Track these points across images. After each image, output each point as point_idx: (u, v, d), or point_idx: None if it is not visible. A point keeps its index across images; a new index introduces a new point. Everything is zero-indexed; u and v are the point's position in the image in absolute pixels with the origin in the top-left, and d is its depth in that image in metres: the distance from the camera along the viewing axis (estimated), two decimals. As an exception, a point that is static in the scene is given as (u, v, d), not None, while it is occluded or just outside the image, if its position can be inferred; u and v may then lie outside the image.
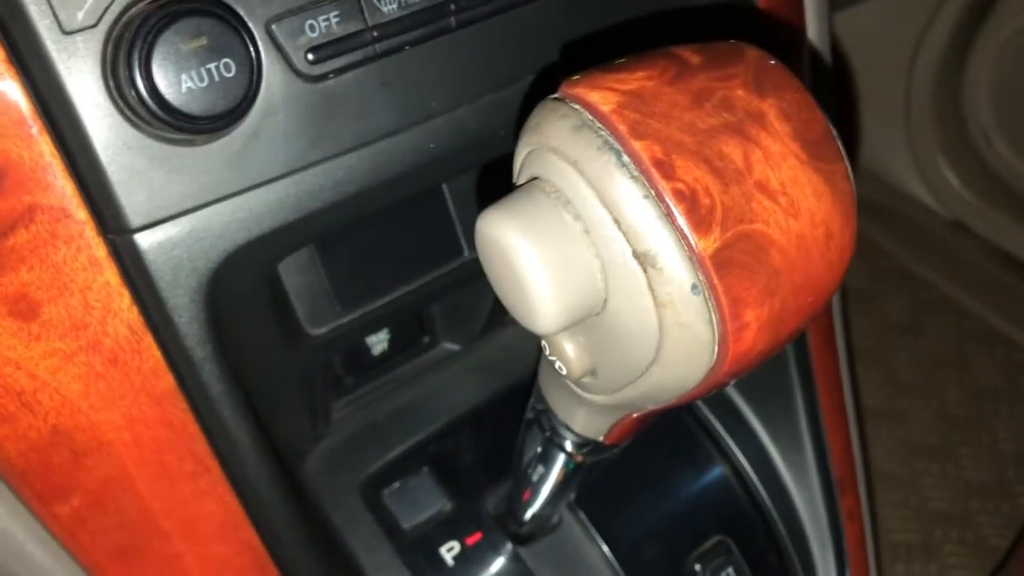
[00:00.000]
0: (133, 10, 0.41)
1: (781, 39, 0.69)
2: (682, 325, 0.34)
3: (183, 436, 0.52)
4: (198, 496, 0.54)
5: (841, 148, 0.37)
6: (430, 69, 0.50)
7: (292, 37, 0.45)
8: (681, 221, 0.33)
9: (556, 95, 0.37)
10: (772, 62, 0.38)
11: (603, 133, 0.34)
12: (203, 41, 0.41)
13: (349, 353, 0.74)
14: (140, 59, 0.40)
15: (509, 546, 0.71)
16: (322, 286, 0.63)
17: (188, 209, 0.45)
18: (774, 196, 0.34)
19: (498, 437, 0.74)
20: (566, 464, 0.57)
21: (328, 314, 0.64)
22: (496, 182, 0.56)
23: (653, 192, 0.33)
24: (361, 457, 0.73)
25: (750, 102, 0.36)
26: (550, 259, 0.35)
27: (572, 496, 0.67)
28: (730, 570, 0.74)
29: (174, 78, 0.40)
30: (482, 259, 0.39)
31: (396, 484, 0.72)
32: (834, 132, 0.37)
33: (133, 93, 0.41)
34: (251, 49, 0.43)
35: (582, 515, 0.72)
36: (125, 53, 0.40)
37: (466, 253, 0.68)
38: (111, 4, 0.41)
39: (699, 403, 0.81)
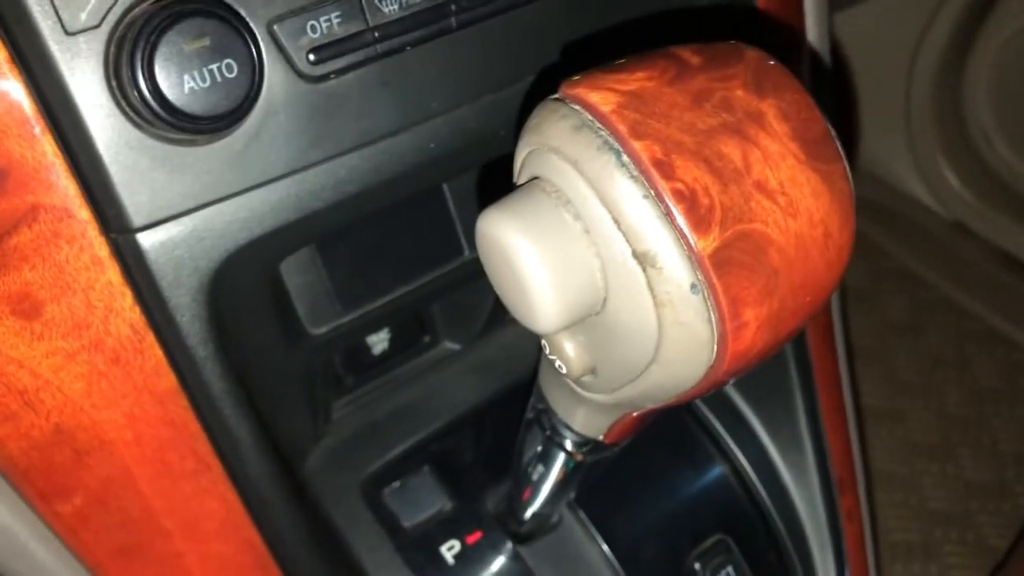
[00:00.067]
0: (136, 11, 0.41)
1: (781, 39, 0.69)
2: (681, 324, 0.34)
3: (185, 435, 0.52)
4: (199, 495, 0.55)
5: (840, 148, 0.37)
6: (431, 69, 0.50)
7: (294, 38, 0.45)
8: (680, 221, 0.33)
9: (556, 95, 0.37)
10: (772, 63, 0.38)
11: (603, 133, 0.34)
12: (205, 42, 0.41)
13: (350, 352, 0.75)
14: (143, 59, 0.40)
15: (509, 545, 0.71)
16: (323, 286, 0.63)
17: (190, 209, 0.45)
18: (773, 196, 0.34)
19: (498, 436, 0.75)
20: (566, 463, 0.57)
21: (329, 313, 0.64)
22: (496, 182, 0.56)
23: (653, 192, 0.33)
24: (362, 456, 0.73)
25: (749, 102, 0.36)
26: (550, 259, 0.35)
27: (572, 495, 0.68)
28: (729, 569, 0.74)
29: (176, 78, 0.41)
30: (482, 258, 0.39)
31: (397, 483, 0.72)
32: (833, 132, 0.37)
33: (135, 93, 0.41)
34: (253, 49, 0.43)
35: (582, 514, 0.72)
36: (128, 54, 0.40)
37: (466, 253, 0.68)
38: (114, 5, 0.41)
39: (699, 403, 0.81)
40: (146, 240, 0.45)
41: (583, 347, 0.40)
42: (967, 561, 1.45)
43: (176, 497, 0.54)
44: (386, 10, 0.47)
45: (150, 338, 0.49)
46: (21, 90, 0.41)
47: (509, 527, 0.70)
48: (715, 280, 0.33)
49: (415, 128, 0.51)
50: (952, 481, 1.55)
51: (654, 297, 0.34)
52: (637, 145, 0.33)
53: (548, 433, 0.54)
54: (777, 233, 0.34)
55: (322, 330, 0.64)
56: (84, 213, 0.44)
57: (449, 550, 0.70)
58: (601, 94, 0.35)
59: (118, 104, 0.42)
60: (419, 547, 0.70)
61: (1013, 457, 1.58)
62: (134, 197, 0.44)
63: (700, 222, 0.33)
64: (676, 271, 0.33)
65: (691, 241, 0.33)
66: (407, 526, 0.71)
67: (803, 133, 0.36)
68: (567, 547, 0.72)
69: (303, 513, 0.62)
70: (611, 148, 0.34)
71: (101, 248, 0.45)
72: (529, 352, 0.76)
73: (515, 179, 0.40)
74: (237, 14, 0.43)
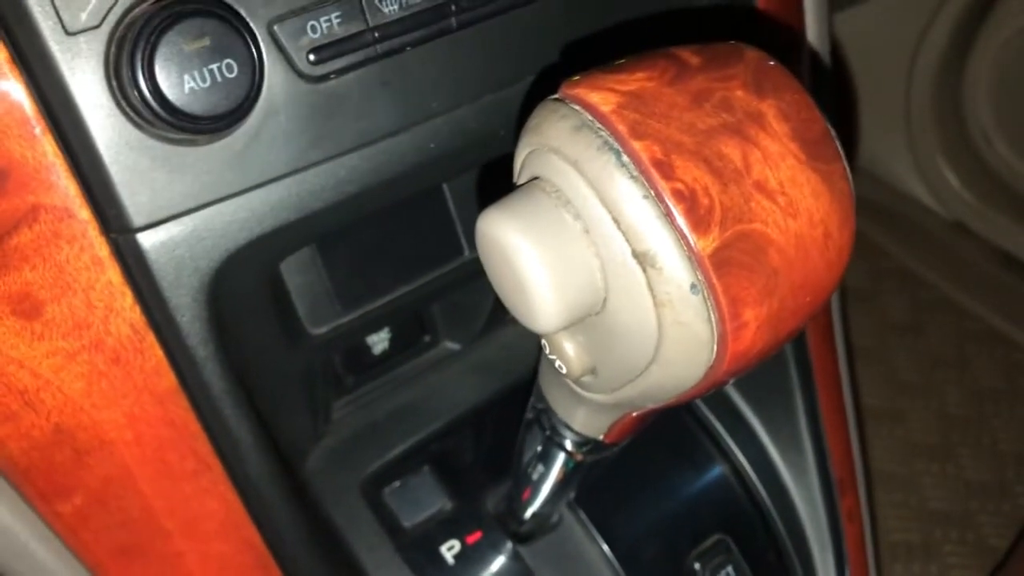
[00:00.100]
0: (136, 11, 0.41)
1: (781, 40, 0.69)
2: (681, 324, 0.34)
3: (185, 435, 0.52)
4: (200, 495, 0.55)
5: (839, 148, 0.37)
6: (431, 69, 0.50)
7: (294, 38, 0.45)
8: (680, 221, 0.33)
9: (556, 96, 0.37)
10: (771, 63, 0.38)
11: (603, 133, 0.34)
12: (205, 42, 0.41)
13: (350, 352, 0.75)
14: (143, 60, 0.40)
15: (509, 545, 0.71)
16: (323, 286, 0.63)
17: (190, 209, 0.45)
18: (773, 196, 0.34)
19: (498, 436, 0.75)
20: (566, 463, 0.57)
21: (329, 313, 0.64)
22: (496, 182, 0.56)
23: (652, 192, 0.33)
24: (362, 456, 0.73)
25: (749, 102, 0.36)
26: (550, 258, 0.35)
27: (572, 495, 0.68)
28: (729, 569, 0.74)
29: (177, 78, 0.41)
30: (482, 258, 0.39)
31: (397, 483, 0.72)
32: (833, 132, 0.37)
33: (136, 93, 0.41)
34: (253, 50, 0.43)
35: (582, 514, 0.72)
36: (128, 54, 0.40)
37: (466, 253, 0.68)
38: (114, 5, 0.41)
39: (699, 403, 0.81)
40: (146, 240, 0.45)
41: (583, 347, 0.40)
42: (967, 561, 1.45)
43: (176, 497, 0.54)
44: (386, 10, 0.47)
45: (150, 338, 0.49)
46: (21, 90, 0.41)
47: (509, 527, 0.70)
48: (715, 280, 0.33)
49: (415, 128, 0.51)
50: (952, 481, 1.55)
51: (654, 297, 0.34)
52: (637, 145, 0.33)
53: (548, 433, 0.54)
54: (777, 233, 0.34)
55: (322, 330, 0.64)
56: (84, 213, 0.44)
57: (449, 550, 0.70)
58: (601, 94, 0.35)
59: (118, 104, 0.42)
60: (419, 547, 0.70)
61: (1013, 457, 1.58)
62: (134, 197, 0.44)
63: (700, 222, 0.33)
64: (676, 271, 0.33)
65: (691, 241, 0.33)
66: (407, 526, 0.71)
67: (803, 133, 0.36)
68: (567, 547, 0.72)
69: (303, 513, 0.62)
70: (611, 148, 0.34)
71: (101, 248, 0.45)
72: (529, 352, 0.76)
73: (515, 179, 0.40)
74: (237, 14, 0.43)
